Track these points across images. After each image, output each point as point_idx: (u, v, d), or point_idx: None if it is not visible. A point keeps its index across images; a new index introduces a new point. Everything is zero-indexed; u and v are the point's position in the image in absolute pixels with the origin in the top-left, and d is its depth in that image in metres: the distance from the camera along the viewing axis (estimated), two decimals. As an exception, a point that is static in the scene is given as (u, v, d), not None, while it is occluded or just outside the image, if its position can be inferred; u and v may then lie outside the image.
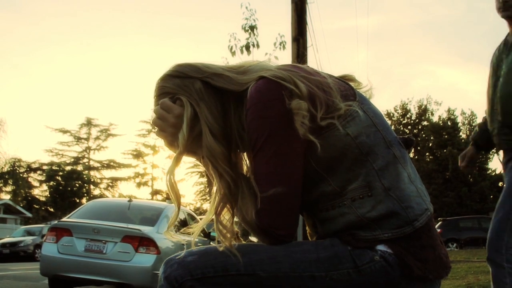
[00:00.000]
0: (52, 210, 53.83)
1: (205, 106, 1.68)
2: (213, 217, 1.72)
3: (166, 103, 1.73)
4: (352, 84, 1.78)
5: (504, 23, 3.42)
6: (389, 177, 1.62)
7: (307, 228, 1.85)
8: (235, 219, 1.73)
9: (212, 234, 10.52)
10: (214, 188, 1.73)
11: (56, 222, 9.60)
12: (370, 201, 1.60)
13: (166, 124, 1.74)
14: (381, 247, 1.60)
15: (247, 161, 1.76)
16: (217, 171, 1.68)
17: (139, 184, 57.49)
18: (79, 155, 58.59)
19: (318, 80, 1.65)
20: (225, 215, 1.73)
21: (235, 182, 1.67)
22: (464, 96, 69.91)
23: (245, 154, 1.78)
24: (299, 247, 1.64)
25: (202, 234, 10.14)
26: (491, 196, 43.43)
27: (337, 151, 1.60)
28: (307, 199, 1.67)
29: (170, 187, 1.72)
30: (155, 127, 1.78)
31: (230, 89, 1.68)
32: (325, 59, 25.10)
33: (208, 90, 1.70)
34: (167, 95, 1.74)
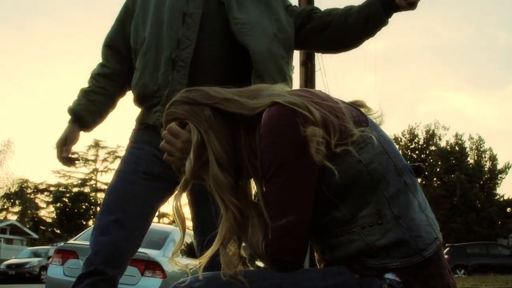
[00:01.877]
0: (58, 231, 53.78)
1: (214, 135, 1.67)
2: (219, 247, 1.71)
3: (174, 128, 1.73)
4: (362, 110, 1.77)
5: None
6: (399, 205, 1.61)
7: (315, 254, 1.84)
8: (243, 243, 1.73)
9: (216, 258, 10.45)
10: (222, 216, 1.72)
11: (62, 244, 9.59)
12: (380, 229, 1.59)
13: (174, 149, 1.73)
14: (389, 276, 1.58)
15: (256, 188, 1.75)
16: (223, 202, 1.67)
17: (145, 207, 56.84)
18: (86, 177, 58.59)
19: (330, 106, 1.65)
20: (231, 246, 1.72)
21: (242, 213, 1.67)
22: (471, 121, 69.96)
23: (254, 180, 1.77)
24: (306, 275, 1.62)
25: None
26: (499, 222, 43.13)
27: (349, 177, 1.59)
28: (317, 224, 1.66)
29: (176, 212, 1.71)
30: (163, 151, 1.78)
31: (240, 114, 1.67)
32: (332, 83, 25.22)
33: (218, 117, 1.69)
34: (175, 120, 1.74)
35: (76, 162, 2.95)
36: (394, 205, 1.60)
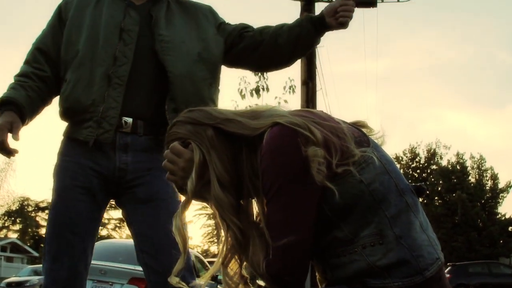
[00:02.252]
0: (59, 250, 53.47)
1: (216, 154, 1.68)
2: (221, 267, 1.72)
3: (176, 147, 1.74)
4: (364, 130, 1.79)
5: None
6: (401, 225, 1.61)
7: (316, 273, 1.84)
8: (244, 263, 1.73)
9: (219, 277, 10.44)
10: (222, 235, 1.73)
11: (63, 262, 9.53)
12: (381, 249, 1.59)
13: (176, 168, 1.74)
14: (390, 295, 1.59)
15: (257, 208, 1.75)
16: (225, 222, 1.68)
17: (146, 225, 56.61)
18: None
19: (332, 126, 1.66)
20: (233, 266, 1.73)
21: (243, 233, 1.68)
22: (473, 140, 69.80)
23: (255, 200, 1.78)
24: (308, 294, 1.63)
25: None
26: (501, 241, 42.92)
27: (351, 198, 1.60)
28: (319, 244, 1.67)
29: (178, 232, 1.72)
30: (165, 170, 1.79)
31: (242, 134, 1.68)
32: (334, 102, 25.27)
33: (220, 137, 1.70)
34: (178, 140, 1.76)
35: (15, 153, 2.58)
36: (395, 225, 1.61)
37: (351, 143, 1.63)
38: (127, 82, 2.60)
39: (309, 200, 1.60)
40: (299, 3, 11.60)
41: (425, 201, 43.99)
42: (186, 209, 1.75)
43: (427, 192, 44.46)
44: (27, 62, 2.77)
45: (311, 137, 1.58)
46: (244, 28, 2.89)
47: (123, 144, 2.61)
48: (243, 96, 11.70)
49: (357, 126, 1.79)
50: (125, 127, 2.62)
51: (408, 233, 1.62)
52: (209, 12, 2.90)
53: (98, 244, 10.16)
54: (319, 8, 12.54)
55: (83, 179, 2.60)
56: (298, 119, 1.62)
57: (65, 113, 2.70)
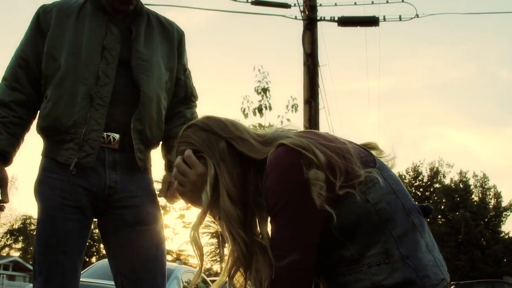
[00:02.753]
0: (61, 268, 53.36)
1: (225, 168, 1.69)
2: (226, 279, 1.72)
3: (191, 158, 1.76)
4: (374, 152, 1.80)
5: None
6: (407, 245, 1.61)
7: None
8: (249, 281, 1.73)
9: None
10: (227, 250, 1.73)
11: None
12: (387, 269, 1.59)
13: (186, 180, 1.76)
14: (396, 315, 1.58)
15: (260, 227, 1.76)
16: (231, 235, 1.68)
17: (149, 244, 56.45)
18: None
19: (337, 147, 1.67)
20: (239, 279, 1.73)
21: (248, 248, 1.68)
22: (476, 158, 69.74)
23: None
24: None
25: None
26: (505, 260, 42.81)
27: (357, 217, 1.61)
28: (325, 263, 1.67)
29: (195, 243, 1.73)
30: (175, 180, 1.80)
31: (251, 156, 1.70)
32: (336, 120, 25.29)
33: (231, 152, 1.71)
34: (190, 145, 1.77)
35: (3, 205, 2.61)
36: (401, 244, 1.61)
37: (357, 163, 1.64)
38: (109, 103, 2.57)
39: (312, 220, 1.60)
40: (301, 22, 11.63)
41: (428, 219, 43.86)
42: (202, 221, 1.75)
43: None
44: (5, 79, 2.67)
45: (314, 160, 1.58)
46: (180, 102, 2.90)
47: (112, 161, 2.58)
48: (246, 115, 11.70)
49: (367, 148, 1.79)
50: (113, 143, 2.58)
51: (414, 253, 1.61)
52: (179, 42, 2.88)
53: (100, 263, 10.16)
54: (321, 27, 12.59)
55: (73, 197, 2.53)
56: (303, 140, 1.63)
57: (43, 131, 2.63)
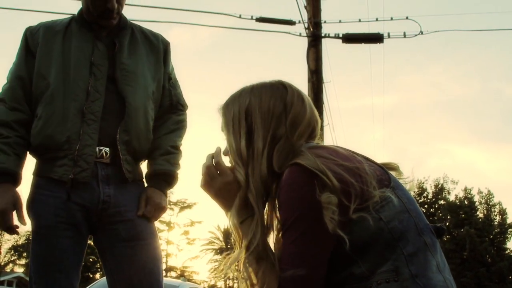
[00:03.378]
0: (64, 284, 53.19)
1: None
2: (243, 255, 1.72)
3: (222, 165, 1.80)
4: (394, 173, 1.80)
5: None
6: (417, 264, 1.60)
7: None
8: None
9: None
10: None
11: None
12: (396, 286, 1.58)
13: (213, 183, 1.80)
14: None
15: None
16: (256, 206, 1.72)
17: (153, 260, 56.10)
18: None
19: (354, 167, 1.65)
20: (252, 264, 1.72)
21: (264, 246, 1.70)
22: (480, 175, 69.62)
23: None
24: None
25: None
26: (510, 277, 42.57)
27: (370, 235, 1.60)
28: (335, 279, 1.67)
29: (234, 228, 1.74)
30: (203, 177, 1.83)
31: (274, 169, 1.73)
32: (341, 137, 25.27)
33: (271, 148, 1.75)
34: (242, 112, 1.80)
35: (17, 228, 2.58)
36: (412, 263, 1.60)
37: (372, 182, 1.63)
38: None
39: (322, 236, 1.59)
40: (306, 39, 11.66)
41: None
42: (238, 210, 1.77)
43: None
44: (2, 101, 2.66)
45: (328, 183, 1.58)
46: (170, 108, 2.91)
47: (105, 175, 2.58)
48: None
49: (386, 167, 1.79)
50: (106, 157, 2.60)
51: (424, 273, 1.60)
52: (165, 52, 2.90)
53: (104, 279, 10.15)
54: (325, 43, 12.63)
55: (67, 214, 2.53)
56: (319, 162, 1.62)
57: (35, 150, 2.63)
